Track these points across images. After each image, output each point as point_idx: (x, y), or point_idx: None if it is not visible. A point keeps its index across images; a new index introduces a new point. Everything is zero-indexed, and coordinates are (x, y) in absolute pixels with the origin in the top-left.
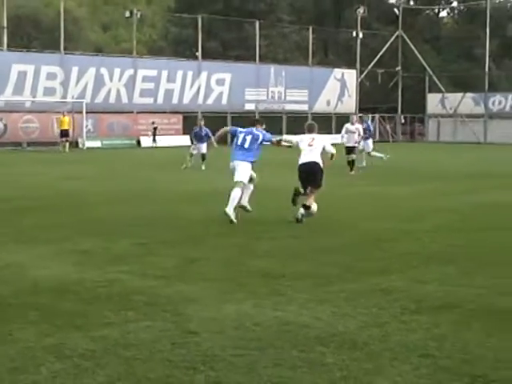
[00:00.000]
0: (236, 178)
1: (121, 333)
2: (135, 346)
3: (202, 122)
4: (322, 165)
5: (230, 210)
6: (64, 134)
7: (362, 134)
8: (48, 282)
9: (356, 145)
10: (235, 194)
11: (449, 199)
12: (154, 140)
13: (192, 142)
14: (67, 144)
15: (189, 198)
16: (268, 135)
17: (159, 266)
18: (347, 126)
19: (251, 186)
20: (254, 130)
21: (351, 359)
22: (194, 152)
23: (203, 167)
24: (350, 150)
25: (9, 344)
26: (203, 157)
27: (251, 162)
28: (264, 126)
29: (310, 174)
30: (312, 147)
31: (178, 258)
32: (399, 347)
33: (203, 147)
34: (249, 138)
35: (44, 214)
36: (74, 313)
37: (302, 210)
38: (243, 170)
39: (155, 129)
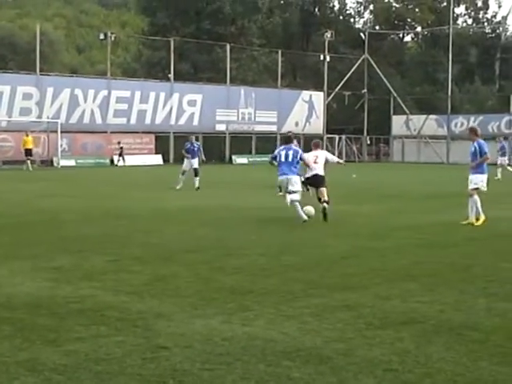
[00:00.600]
0: (292, 188)
1: (92, 347)
2: (106, 361)
3: (194, 137)
4: (324, 174)
5: (302, 215)
6: (28, 153)
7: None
8: (22, 297)
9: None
10: (299, 201)
11: (411, 217)
12: (122, 159)
13: (184, 158)
14: (29, 162)
15: (162, 215)
16: (300, 153)
17: (131, 283)
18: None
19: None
20: (292, 146)
21: (317, 373)
22: (187, 169)
23: (197, 184)
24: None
25: None
26: (196, 172)
27: (298, 174)
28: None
29: (317, 182)
30: (317, 164)
31: (150, 274)
32: (363, 362)
33: (195, 162)
34: (290, 153)
35: (18, 232)
36: (47, 328)
37: (324, 205)
38: (296, 181)
39: (121, 148)
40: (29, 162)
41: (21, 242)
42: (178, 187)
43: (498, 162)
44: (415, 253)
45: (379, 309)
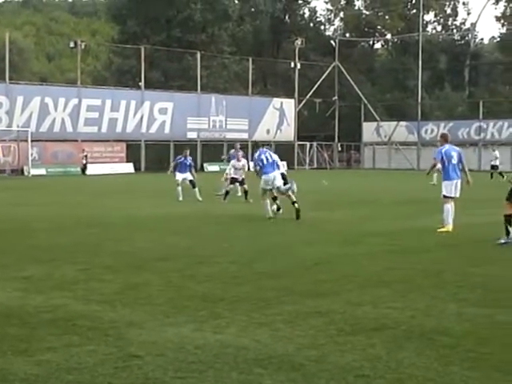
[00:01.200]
0: (279, 183)
1: (64, 357)
2: (78, 370)
3: (188, 152)
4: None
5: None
6: None
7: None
8: None
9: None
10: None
11: (382, 224)
12: (85, 168)
13: (174, 171)
14: None
15: (133, 223)
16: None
17: (102, 292)
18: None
19: None
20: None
21: (289, 380)
22: (180, 179)
23: (198, 196)
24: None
25: None
26: (193, 184)
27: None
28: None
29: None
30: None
31: (121, 283)
32: (335, 368)
33: (188, 175)
34: (268, 155)
35: None
36: (17, 338)
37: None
38: (279, 177)
39: (86, 157)
40: None
41: None
42: (179, 199)
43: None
44: (387, 259)
45: (351, 315)
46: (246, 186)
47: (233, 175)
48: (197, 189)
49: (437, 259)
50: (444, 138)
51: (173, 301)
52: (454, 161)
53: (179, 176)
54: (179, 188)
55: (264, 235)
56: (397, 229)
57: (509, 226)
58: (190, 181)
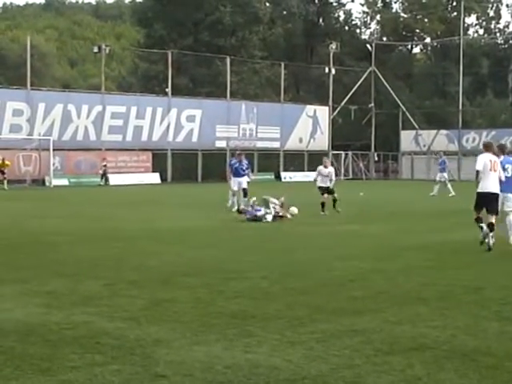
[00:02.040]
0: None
1: (87, 376)
2: None
3: (243, 156)
4: None
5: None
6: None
7: (333, 178)
8: (12, 324)
9: (329, 185)
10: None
11: (418, 237)
12: (105, 178)
13: (229, 177)
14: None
15: (157, 236)
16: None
17: (127, 308)
18: (320, 168)
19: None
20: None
21: None
22: (235, 188)
23: (242, 205)
24: (323, 190)
25: None
26: (245, 192)
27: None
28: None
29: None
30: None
31: (147, 299)
32: None
33: (243, 182)
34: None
35: (8, 254)
36: (39, 356)
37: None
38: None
39: (105, 166)
40: (5, 180)
41: (10, 265)
42: (233, 209)
43: (437, 179)
44: (424, 274)
45: (388, 334)
46: (336, 195)
47: (320, 184)
48: (246, 199)
49: (477, 275)
50: (501, 149)
51: (201, 318)
52: (508, 173)
53: (235, 182)
54: (234, 198)
55: (295, 249)
56: (433, 243)
57: None
58: (244, 189)
